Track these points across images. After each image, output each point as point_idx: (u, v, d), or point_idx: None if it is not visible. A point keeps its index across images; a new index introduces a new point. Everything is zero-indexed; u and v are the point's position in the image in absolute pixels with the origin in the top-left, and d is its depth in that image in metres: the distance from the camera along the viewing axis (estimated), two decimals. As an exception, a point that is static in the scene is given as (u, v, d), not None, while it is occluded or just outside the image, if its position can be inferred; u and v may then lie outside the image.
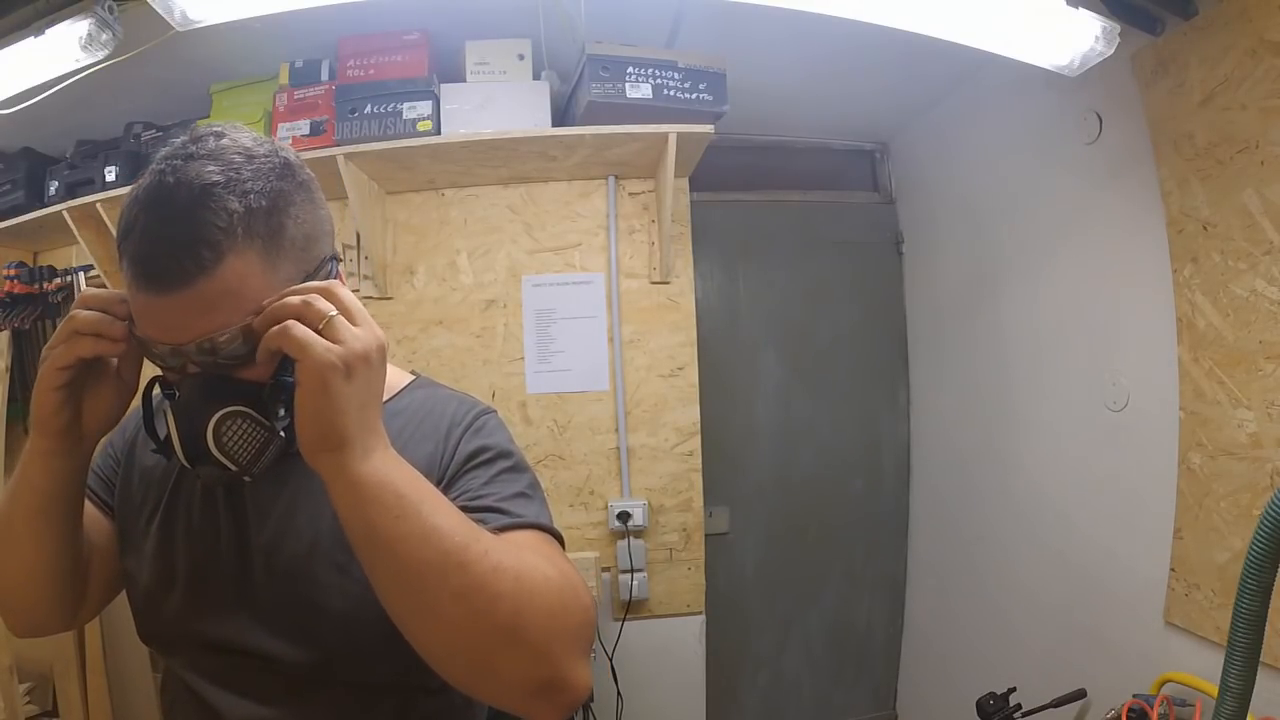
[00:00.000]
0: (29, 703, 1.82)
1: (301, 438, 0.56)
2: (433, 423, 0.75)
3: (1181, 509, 1.30)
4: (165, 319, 0.58)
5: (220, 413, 0.60)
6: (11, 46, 1.18)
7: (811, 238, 2.33)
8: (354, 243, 1.80)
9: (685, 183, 1.84)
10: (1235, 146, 1.18)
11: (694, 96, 1.58)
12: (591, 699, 1.63)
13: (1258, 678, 0.64)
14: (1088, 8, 1.14)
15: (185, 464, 0.62)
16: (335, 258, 0.68)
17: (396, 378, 0.81)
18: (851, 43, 1.47)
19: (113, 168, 1.72)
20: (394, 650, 0.61)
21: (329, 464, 0.55)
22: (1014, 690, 1.54)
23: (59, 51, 1.18)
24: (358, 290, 1.81)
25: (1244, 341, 1.18)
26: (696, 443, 1.82)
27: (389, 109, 1.60)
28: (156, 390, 0.68)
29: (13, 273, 1.82)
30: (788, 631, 2.29)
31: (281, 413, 0.63)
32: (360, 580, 0.63)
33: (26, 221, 1.77)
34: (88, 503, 0.75)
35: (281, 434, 0.63)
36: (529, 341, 1.81)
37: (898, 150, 2.37)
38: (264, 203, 0.59)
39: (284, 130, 1.64)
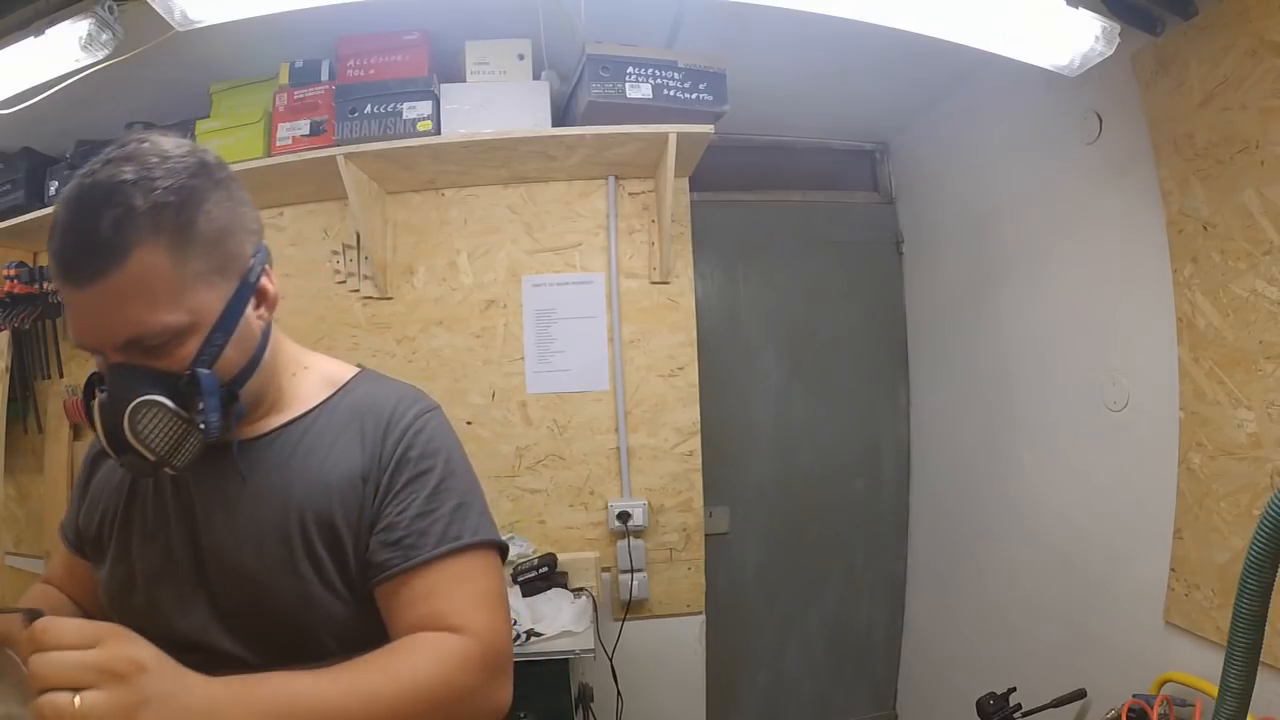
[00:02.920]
0: (29, 703, 1.82)
1: None
2: (372, 420, 0.74)
3: (1181, 509, 1.30)
4: (86, 311, 0.61)
5: (135, 402, 0.61)
6: (11, 46, 1.18)
7: (811, 238, 2.33)
8: (354, 243, 1.80)
9: (685, 183, 1.84)
10: (1235, 146, 1.18)
11: (694, 96, 1.58)
12: (591, 699, 1.63)
13: (1258, 678, 0.64)
14: (1088, 8, 1.14)
15: (111, 454, 0.64)
16: (260, 251, 0.71)
17: (341, 371, 0.81)
18: (851, 43, 1.47)
19: (113, 168, 1.72)
20: (349, 650, 0.64)
21: None
22: (1014, 690, 1.54)
23: (59, 51, 1.18)
24: (357, 290, 1.81)
25: (1244, 341, 1.18)
26: (696, 443, 1.82)
27: (389, 109, 1.60)
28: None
29: (13, 273, 1.82)
30: (788, 631, 2.29)
31: (200, 405, 0.64)
32: (308, 579, 0.66)
33: (26, 221, 1.76)
34: (77, 561, 0.80)
35: (201, 426, 0.64)
36: (529, 341, 1.81)
37: (898, 150, 2.37)
38: (172, 198, 0.61)
39: (284, 130, 1.64)
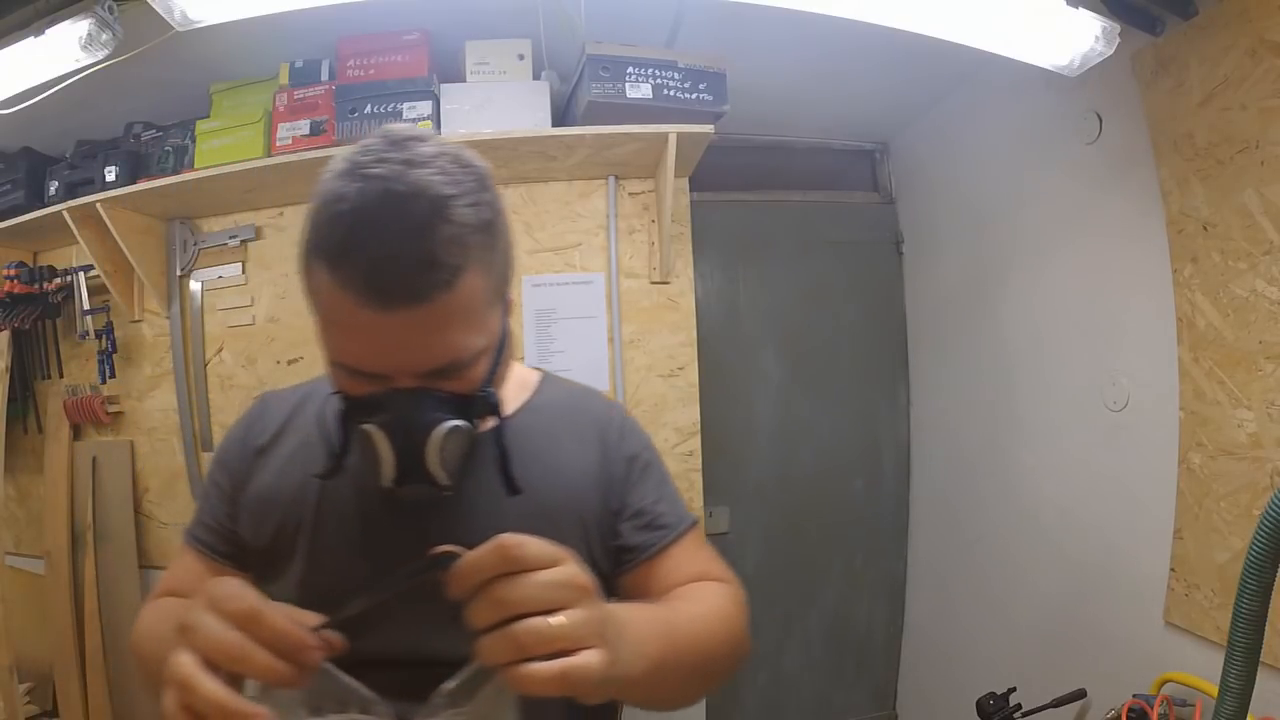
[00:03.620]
0: (29, 703, 1.82)
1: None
2: (583, 423, 0.78)
3: (1181, 509, 1.30)
4: (389, 335, 0.54)
5: (445, 429, 0.58)
6: (11, 46, 1.18)
7: (811, 238, 2.33)
8: (354, 243, 1.80)
9: (685, 183, 1.84)
10: (1235, 146, 1.18)
11: (694, 96, 1.58)
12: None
13: (1258, 678, 0.64)
14: (1088, 8, 1.14)
15: (387, 484, 0.59)
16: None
17: (527, 373, 0.82)
18: (852, 43, 1.47)
19: (113, 168, 1.72)
20: None
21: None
22: (1014, 690, 1.54)
23: (59, 51, 1.18)
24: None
25: (1244, 341, 1.18)
26: (696, 442, 1.82)
27: (389, 109, 1.60)
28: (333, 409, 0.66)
29: (13, 273, 1.82)
30: (787, 631, 2.29)
31: (485, 426, 0.64)
32: None
33: (26, 221, 1.76)
34: (216, 569, 0.74)
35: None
36: (529, 341, 1.81)
37: (898, 150, 2.37)
38: (488, 215, 0.57)
39: (284, 130, 1.64)
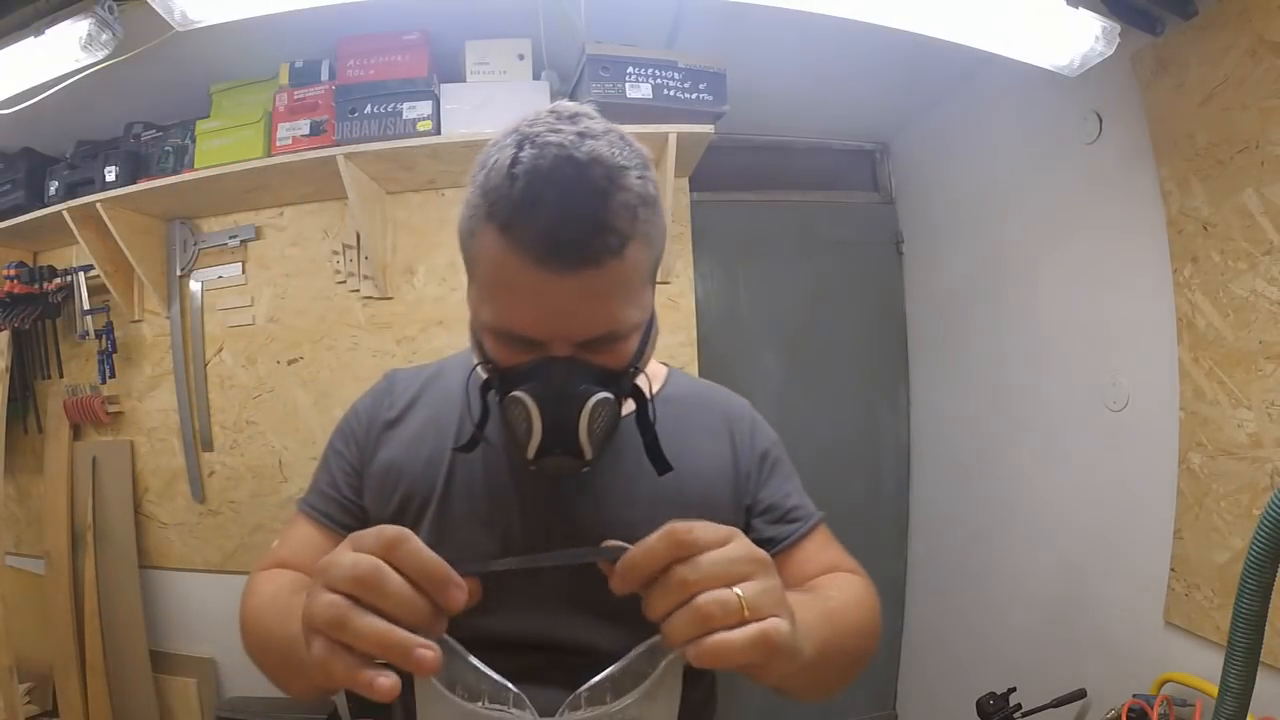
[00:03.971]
0: (29, 703, 1.82)
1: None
2: (714, 415, 0.79)
3: (1181, 509, 1.30)
4: (559, 298, 0.55)
5: (595, 399, 0.58)
6: (11, 46, 1.18)
7: (811, 238, 2.32)
8: (354, 243, 1.80)
9: (685, 183, 1.84)
10: (1235, 146, 1.18)
11: (694, 97, 1.58)
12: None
13: (1258, 678, 0.64)
14: (1088, 8, 1.14)
15: (531, 455, 0.59)
16: None
17: (656, 368, 0.82)
18: (852, 43, 1.47)
19: (113, 168, 1.72)
20: None
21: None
22: (1014, 690, 1.54)
23: (59, 51, 1.18)
24: (357, 290, 1.81)
25: (1244, 341, 1.18)
26: (696, 443, 1.82)
27: (389, 109, 1.60)
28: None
29: (13, 273, 1.82)
30: (788, 631, 2.29)
31: (632, 404, 0.64)
32: None
33: (26, 221, 1.77)
34: (324, 534, 0.72)
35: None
36: (529, 341, 1.81)
37: (898, 150, 2.37)
38: (653, 192, 0.58)
39: (284, 130, 1.64)
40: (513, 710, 0.50)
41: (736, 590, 0.44)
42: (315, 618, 0.42)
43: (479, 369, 0.66)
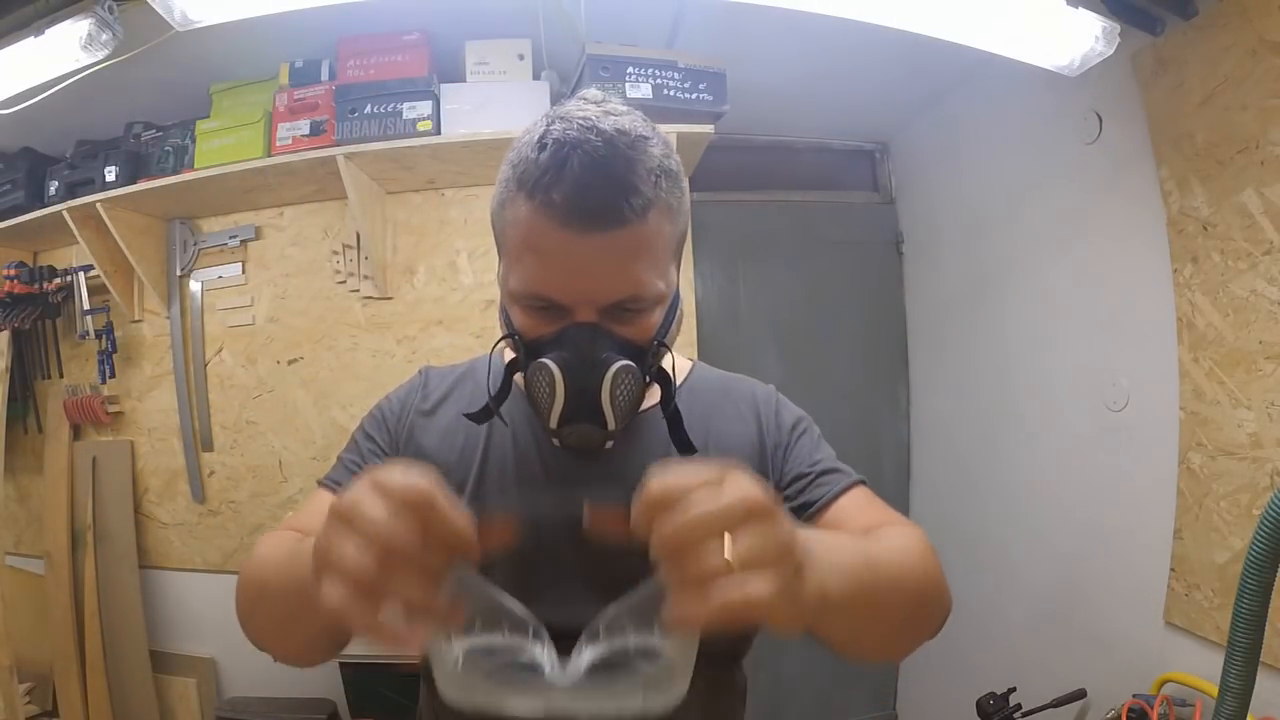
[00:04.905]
0: (29, 703, 1.82)
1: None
2: (739, 400, 0.79)
3: (1181, 509, 1.30)
4: (584, 260, 0.57)
5: (618, 365, 0.59)
6: (11, 46, 1.18)
7: (811, 238, 2.32)
8: (354, 243, 1.80)
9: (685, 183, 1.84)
10: (1235, 146, 1.18)
11: (694, 96, 1.58)
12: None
13: (1258, 678, 0.64)
14: (1088, 8, 1.14)
15: (554, 423, 0.59)
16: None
17: (681, 361, 0.83)
18: (852, 42, 1.47)
19: (113, 168, 1.72)
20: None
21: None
22: (1014, 690, 1.54)
23: (59, 51, 1.18)
24: (357, 290, 1.81)
25: (1244, 341, 1.18)
26: (696, 443, 1.82)
27: (389, 109, 1.60)
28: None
29: (13, 273, 1.82)
30: (788, 631, 2.29)
31: (654, 380, 0.63)
32: None
33: (26, 221, 1.77)
34: None
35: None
36: (529, 341, 1.81)
37: (898, 150, 2.37)
38: (675, 166, 0.60)
39: (284, 130, 1.64)
40: (531, 641, 0.48)
41: (727, 548, 0.37)
42: (324, 559, 0.39)
43: (505, 345, 0.67)
